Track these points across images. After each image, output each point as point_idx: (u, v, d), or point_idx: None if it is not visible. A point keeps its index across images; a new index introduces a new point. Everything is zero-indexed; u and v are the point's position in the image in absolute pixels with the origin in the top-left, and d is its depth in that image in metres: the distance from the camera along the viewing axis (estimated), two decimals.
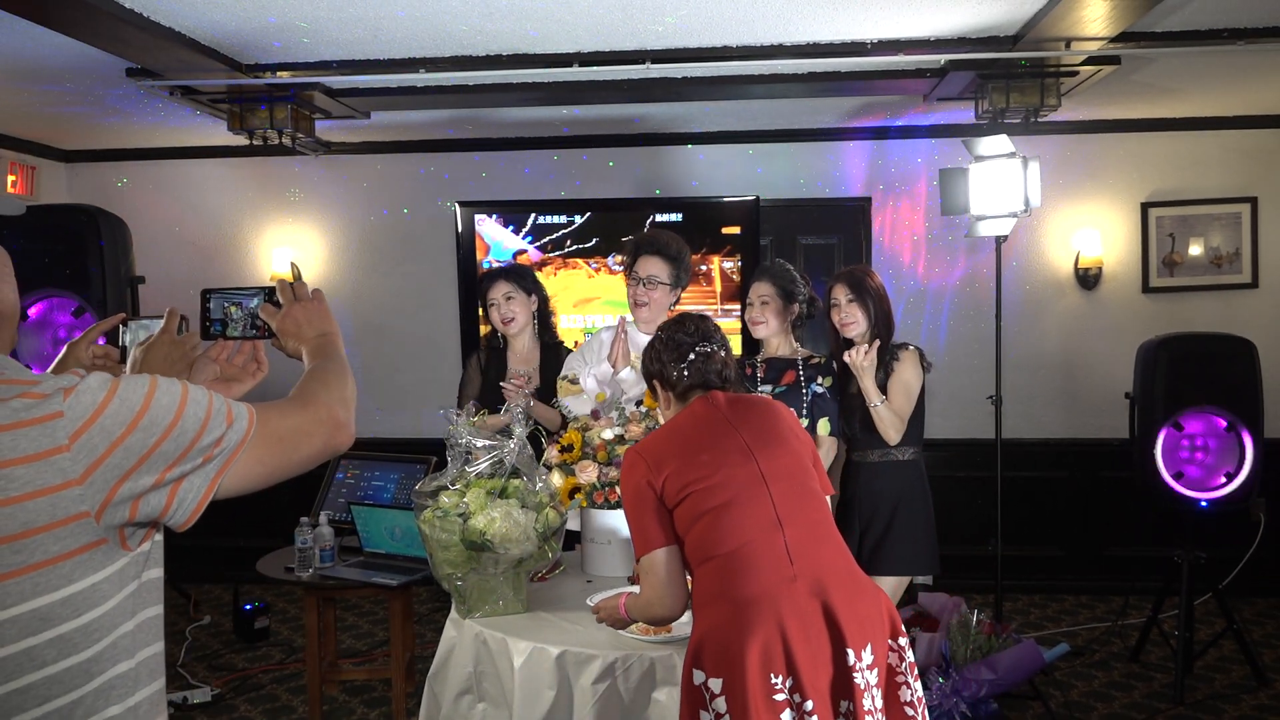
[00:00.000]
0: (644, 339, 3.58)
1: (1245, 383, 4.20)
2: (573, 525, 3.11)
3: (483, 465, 2.55)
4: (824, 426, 3.40)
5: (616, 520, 2.90)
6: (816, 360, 3.47)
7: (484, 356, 3.92)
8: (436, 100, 4.72)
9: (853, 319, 3.44)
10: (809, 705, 1.96)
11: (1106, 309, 5.75)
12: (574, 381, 3.43)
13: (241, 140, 4.84)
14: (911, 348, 3.45)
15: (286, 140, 4.77)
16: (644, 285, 3.48)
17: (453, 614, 2.64)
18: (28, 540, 1.13)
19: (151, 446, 1.19)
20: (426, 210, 5.95)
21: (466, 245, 5.42)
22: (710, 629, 2.03)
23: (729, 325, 5.24)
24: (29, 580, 1.13)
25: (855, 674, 2.01)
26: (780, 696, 1.96)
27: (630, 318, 3.60)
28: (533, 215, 5.45)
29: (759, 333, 3.48)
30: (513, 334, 3.79)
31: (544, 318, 3.88)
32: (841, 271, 3.59)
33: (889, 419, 3.37)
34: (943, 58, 4.15)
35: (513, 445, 2.58)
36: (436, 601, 5.46)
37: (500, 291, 3.76)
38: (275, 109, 4.59)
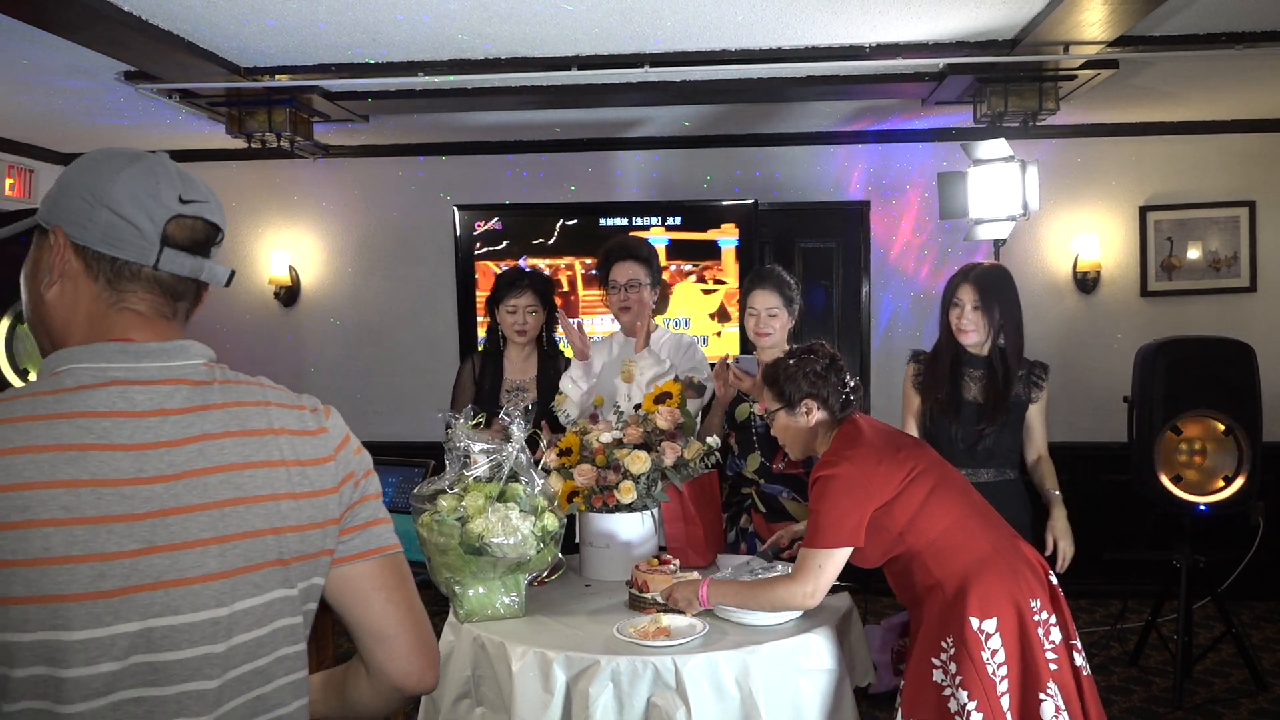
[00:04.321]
0: (631, 342, 3.59)
1: (1243, 386, 4.19)
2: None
3: (481, 469, 2.55)
4: None
5: (614, 524, 2.90)
6: None
7: (478, 364, 3.83)
8: (435, 103, 4.72)
9: (973, 327, 3.23)
10: (1053, 620, 2.42)
11: (1105, 312, 5.75)
12: (561, 393, 3.48)
13: (240, 143, 4.83)
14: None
15: (285, 143, 4.77)
16: (627, 290, 3.55)
17: (450, 618, 2.63)
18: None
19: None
20: (425, 213, 5.94)
21: (465, 248, 5.42)
22: (969, 582, 2.36)
23: (725, 329, 5.24)
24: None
25: (1057, 589, 2.50)
26: (1037, 617, 2.38)
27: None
28: (527, 217, 5.46)
29: (765, 343, 3.36)
30: (520, 343, 3.75)
31: (549, 328, 3.83)
32: (976, 269, 3.30)
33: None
34: (941, 61, 4.16)
35: (511, 449, 2.58)
36: (434, 605, 5.43)
37: (524, 301, 3.68)
38: (274, 112, 4.60)
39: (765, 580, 2.53)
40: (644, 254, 3.61)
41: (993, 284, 3.23)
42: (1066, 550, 3.13)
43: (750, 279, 3.53)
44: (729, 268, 5.31)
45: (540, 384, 3.73)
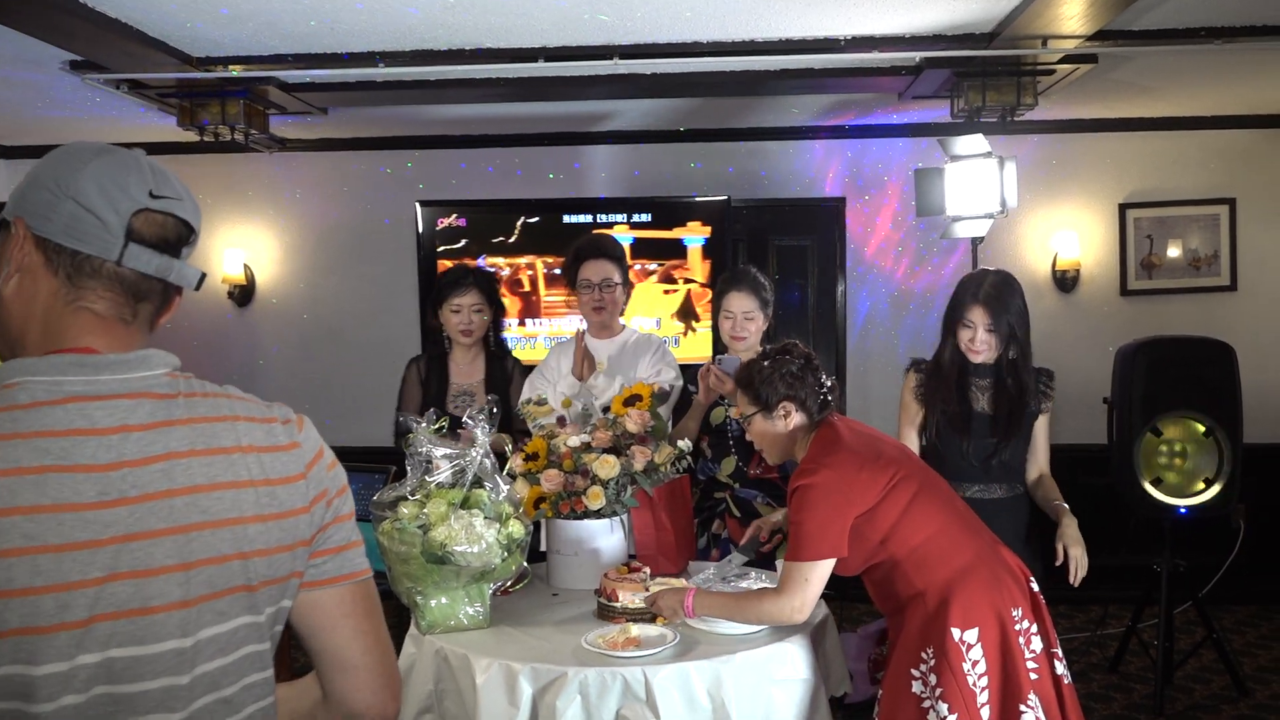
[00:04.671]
0: (600, 344, 3.59)
1: (1224, 387, 4.25)
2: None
3: (444, 475, 2.54)
4: None
5: (582, 531, 2.90)
6: None
7: (423, 368, 3.79)
8: (396, 96, 4.70)
9: (985, 348, 3.12)
10: (1034, 629, 2.44)
11: (1084, 312, 5.82)
12: (541, 403, 3.42)
13: (192, 136, 4.79)
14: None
15: (239, 136, 4.73)
16: (600, 289, 3.54)
17: (412, 629, 2.62)
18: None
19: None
20: (386, 210, 5.91)
21: (428, 246, 5.39)
22: (952, 592, 2.37)
23: (700, 328, 5.25)
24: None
25: (1038, 596, 2.53)
26: (1018, 626, 2.40)
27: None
28: (493, 213, 5.44)
29: (740, 347, 3.39)
30: (462, 342, 3.71)
31: (496, 328, 3.80)
32: (983, 285, 3.14)
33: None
34: (918, 55, 4.19)
35: (475, 454, 2.57)
36: (395, 616, 5.39)
37: (469, 300, 3.65)
38: (227, 104, 4.56)
39: (753, 593, 2.54)
40: (617, 252, 3.62)
41: (1003, 303, 3.11)
42: (1080, 558, 3.00)
43: (725, 280, 3.53)
44: (695, 266, 5.31)
45: (489, 386, 3.68)
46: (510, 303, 5.33)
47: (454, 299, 3.66)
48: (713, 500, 3.42)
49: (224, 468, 1.18)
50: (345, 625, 1.32)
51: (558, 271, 5.21)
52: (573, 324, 5.19)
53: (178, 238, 1.23)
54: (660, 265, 5.31)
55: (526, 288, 5.37)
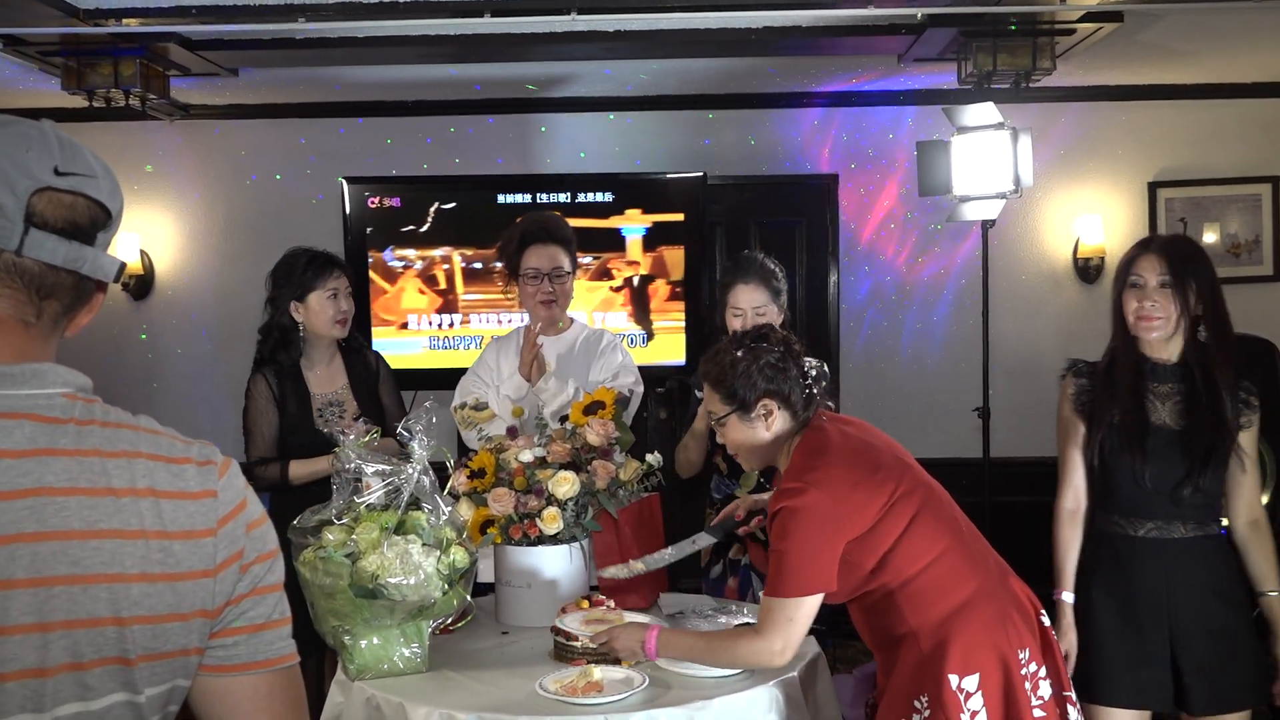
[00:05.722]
0: (547, 342, 3.57)
1: (1266, 390, 4.25)
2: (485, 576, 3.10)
3: (375, 495, 2.53)
4: None
5: (536, 559, 2.90)
6: None
7: (274, 382, 3.59)
8: (319, 55, 4.68)
9: (1161, 313, 2.79)
10: (1043, 671, 2.42)
11: (1110, 305, 5.87)
12: (479, 408, 3.40)
13: (80, 101, 4.75)
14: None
15: (135, 102, 4.71)
16: (552, 280, 3.51)
17: (339, 674, 2.61)
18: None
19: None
20: (306, 187, 5.88)
21: (356, 229, 5.36)
22: (950, 632, 2.35)
23: (672, 326, 5.25)
24: None
25: (1049, 632, 2.52)
26: (1024, 670, 2.38)
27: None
28: (432, 192, 5.42)
29: None
30: (336, 335, 3.62)
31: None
32: (1156, 238, 2.94)
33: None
34: (919, 11, 4.21)
35: (412, 470, 2.56)
36: (318, 655, 5.37)
37: (344, 284, 3.59)
38: (121, 64, 4.52)
39: (728, 633, 2.52)
40: (566, 235, 3.60)
41: (1185, 255, 2.80)
42: None
43: (730, 272, 3.52)
44: (638, 259, 5.27)
45: (356, 391, 3.65)
46: (429, 299, 5.35)
47: (329, 283, 3.57)
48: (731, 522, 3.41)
49: (110, 512, 1.13)
50: None
51: (478, 266, 5.20)
52: (496, 323, 5.18)
53: (90, 222, 1.20)
54: (595, 259, 5.24)
55: (443, 284, 5.33)
